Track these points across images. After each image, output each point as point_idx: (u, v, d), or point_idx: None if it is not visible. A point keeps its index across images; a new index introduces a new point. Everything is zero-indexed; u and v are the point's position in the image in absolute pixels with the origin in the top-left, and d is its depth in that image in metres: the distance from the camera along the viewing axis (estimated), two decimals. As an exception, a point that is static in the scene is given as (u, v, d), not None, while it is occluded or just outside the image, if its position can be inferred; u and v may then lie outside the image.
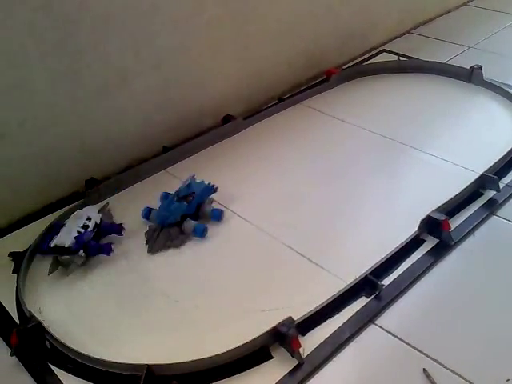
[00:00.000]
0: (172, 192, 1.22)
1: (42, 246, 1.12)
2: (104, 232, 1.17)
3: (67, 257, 1.09)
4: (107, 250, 1.13)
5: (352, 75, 1.76)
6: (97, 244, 1.13)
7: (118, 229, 1.18)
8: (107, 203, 1.28)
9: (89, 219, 1.15)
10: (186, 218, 1.18)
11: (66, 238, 1.10)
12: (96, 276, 1.11)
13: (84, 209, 1.20)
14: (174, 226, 1.17)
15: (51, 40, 1.15)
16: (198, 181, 1.24)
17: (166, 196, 1.23)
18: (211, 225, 1.20)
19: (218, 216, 1.22)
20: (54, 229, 1.15)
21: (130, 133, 1.38)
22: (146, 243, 1.16)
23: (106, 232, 1.17)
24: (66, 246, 1.08)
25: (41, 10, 1.12)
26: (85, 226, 1.13)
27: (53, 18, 1.14)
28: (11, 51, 1.11)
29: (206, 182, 1.24)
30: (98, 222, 1.16)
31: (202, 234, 1.17)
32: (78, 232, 1.11)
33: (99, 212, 1.20)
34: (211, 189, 1.24)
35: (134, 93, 1.34)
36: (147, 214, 1.21)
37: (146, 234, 1.18)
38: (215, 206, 1.25)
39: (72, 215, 1.17)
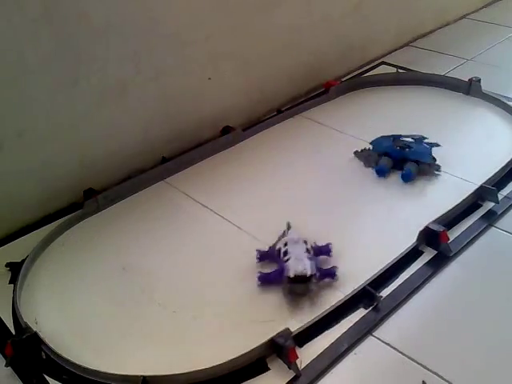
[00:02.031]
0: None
1: (268, 277, 1.06)
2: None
3: (302, 286, 1.01)
4: (332, 273, 1.06)
5: (351, 87, 1.77)
6: (324, 269, 1.07)
7: (327, 250, 1.12)
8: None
9: (305, 242, 1.09)
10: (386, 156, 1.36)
11: (301, 265, 1.01)
12: (92, 287, 1.10)
13: (290, 232, 1.14)
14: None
15: (50, 51, 1.16)
16: (426, 144, 1.37)
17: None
18: (214, 237, 1.21)
19: (404, 176, 1.32)
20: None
21: (129, 144, 1.39)
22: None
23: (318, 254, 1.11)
24: (308, 274, 1.00)
25: (40, 21, 1.12)
26: (307, 251, 1.07)
27: (52, 29, 1.15)
28: (10, 62, 1.11)
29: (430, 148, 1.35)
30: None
31: (406, 178, 1.32)
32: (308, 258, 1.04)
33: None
34: (426, 157, 1.34)
35: (133, 104, 1.35)
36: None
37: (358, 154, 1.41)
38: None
39: (285, 240, 1.10)
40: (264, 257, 1.12)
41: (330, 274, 1.06)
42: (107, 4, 1.21)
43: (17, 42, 1.11)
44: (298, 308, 1.02)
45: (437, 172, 1.35)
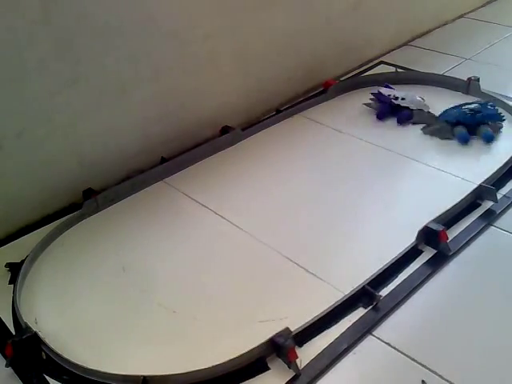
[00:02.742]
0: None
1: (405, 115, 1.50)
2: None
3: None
4: None
5: (349, 86, 1.77)
6: None
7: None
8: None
9: None
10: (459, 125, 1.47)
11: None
12: (92, 287, 1.10)
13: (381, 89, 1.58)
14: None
15: (49, 51, 1.16)
16: (491, 108, 1.50)
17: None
18: (214, 237, 1.20)
19: (488, 137, 1.43)
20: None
21: (128, 144, 1.39)
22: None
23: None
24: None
25: (40, 23, 1.12)
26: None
27: (51, 30, 1.15)
28: (10, 63, 1.11)
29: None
30: None
31: (490, 138, 1.43)
32: None
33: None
34: (497, 117, 1.48)
35: (132, 104, 1.35)
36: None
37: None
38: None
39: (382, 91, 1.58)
40: (382, 115, 1.57)
41: None
42: (106, 4, 1.21)
43: (16, 43, 1.11)
44: (298, 307, 1.02)
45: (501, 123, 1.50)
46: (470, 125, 1.47)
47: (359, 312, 1.01)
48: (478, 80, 1.66)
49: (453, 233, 1.16)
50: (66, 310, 1.06)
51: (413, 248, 1.13)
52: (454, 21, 2.28)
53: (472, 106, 1.51)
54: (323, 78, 1.79)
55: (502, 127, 1.49)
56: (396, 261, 1.10)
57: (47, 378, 0.93)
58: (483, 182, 1.26)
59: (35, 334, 0.95)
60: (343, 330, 0.97)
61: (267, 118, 1.63)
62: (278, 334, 0.92)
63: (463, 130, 1.46)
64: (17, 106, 1.16)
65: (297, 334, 0.94)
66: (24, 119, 1.18)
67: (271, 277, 1.10)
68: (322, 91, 1.75)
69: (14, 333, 1.00)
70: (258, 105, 1.66)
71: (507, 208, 1.24)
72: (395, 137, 1.52)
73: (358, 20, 1.85)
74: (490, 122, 1.48)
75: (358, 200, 1.30)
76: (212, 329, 1.00)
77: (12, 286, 1.09)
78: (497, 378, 0.89)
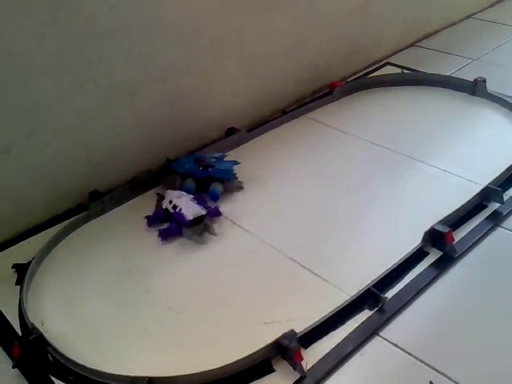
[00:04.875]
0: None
1: (169, 231, 1.19)
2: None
3: (201, 225, 1.19)
4: (216, 211, 1.25)
5: (355, 88, 1.76)
6: (211, 208, 1.24)
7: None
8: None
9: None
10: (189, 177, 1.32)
11: (194, 208, 1.19)
12: (97, 288, 1.11)
13: (167, 192, 1.28)
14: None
15: (58, 53, 1.16)
16: (227, 162, 1.36)
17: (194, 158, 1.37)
18: (214, 237, 1.21)
19: (212, 196, 1.29)
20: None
21: (135, 146, 1.39)
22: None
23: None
24: (203, 213, 1.18)
25: (48, 24, 1.13)
26: (192, 200, 1.23)
27: (60, 31, 1.15)
28: (18, 64, 1.12)
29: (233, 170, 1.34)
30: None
31: (213, 197, 1.29)
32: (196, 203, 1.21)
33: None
34: (228, 174, 1.33)
35: (139, 106, 1.35)
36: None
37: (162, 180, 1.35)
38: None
39: (169, 198, 1.24)
40: (152, 220, 1.24)
41: (217, 211, 1.24)
42: (114, 6, 1.21)
43: (24, 44, 1.11)
44: (303, 308, 1.02)
45: (239, 188, 1.35)
46: (200, 179, 1.32)
47: (365, 314, 1.00)
48: (484, 81, 1.65)
49: (459, 234, 1.16)
50: (72, 311, 1.06)
51: (419, 250, 1.12)
52: (462, 21, 2.27)
53: (208, 159, 1.36)
54: (329, 79, 1.79)
55: (241, 186, 1.35)
56: (402, 262, 1.09)
57: (53, 378, 0.93)
58: (490, 184, 1.25)
59: (41, 335, 0.96)
60: (349, 332, 0.97)
61: (273, 120, 1.63)
62: (283, 336, 0.92)
63: (191, 184, 1.31)
64: (25, 108, 1.16)
65: (302, 335, 0.94)
66: (32, 120, 1.18)
67: (276, 278, 1.10)
68: (327, 92, 1.75)
69: (20, 334, 1.00)
70: (263, 106, 1.66)
71: (514, 209, 1.23)
72: (401, 138, 1.52)
73: (364, 21, 1.85)
74: (223, 179, 1.33)
75: (364, 201, 1.30)
76: (217, 330, 1.00)
77: (19, 287, 1.09)
78: (504, 380, 0.89)
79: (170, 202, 1.22)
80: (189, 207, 1.19)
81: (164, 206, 1.23)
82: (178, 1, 1.32)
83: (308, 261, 1.13)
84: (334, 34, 1.78)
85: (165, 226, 1.21)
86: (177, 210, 1.19)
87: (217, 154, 1.39)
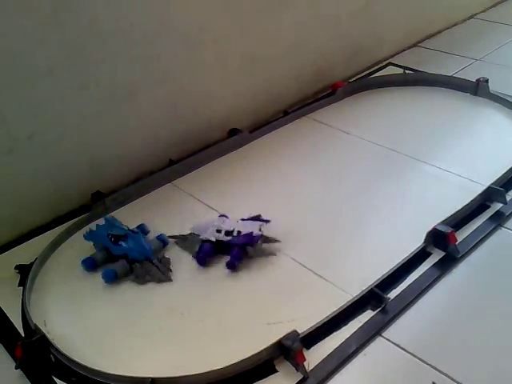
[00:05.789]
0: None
1: (239, 255, 1.12)
2: None
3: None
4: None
5: (358, 88, 1.76)
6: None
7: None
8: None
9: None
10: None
11: (251, 224, 1.17)
12: (100, 289, 1.11)
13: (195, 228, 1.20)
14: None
15: (60, 54, 1.17)
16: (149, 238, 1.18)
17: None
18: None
19: (106, 276, 1.10)
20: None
21: (137, 146, 1.39)
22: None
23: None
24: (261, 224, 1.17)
25: (51, 25, 1.13)
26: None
27: (62, 32, 1.15)
28: (21, 65, 1.12)
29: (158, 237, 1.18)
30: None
31: (107, 278, 1.10)
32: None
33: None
34: (147, 252, 1.13)
35: (142, 107, 1.36)
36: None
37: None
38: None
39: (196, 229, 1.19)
40: (203, 261, 1.14)
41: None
42: (116, 7, 1.21)
43: (27, 45, 1.11)
44: (306, 309, 1.02)
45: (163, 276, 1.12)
46: (111, 253, 1.14)
47: (367, 314, 1.00)
48: (486, 81, 1.65)
49: (462, 235, 1.16)
50: (75, 311, 1.06)
51: (421, 250, 1.12)
52: (464, 21, 2.27)
53: (122, 231, 1.15)
54: (331, 79, 1.79)
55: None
56: (404, 263, 1.09)
57: (56, 379, 0.93)
58: (492, 184, 1.25)
59: (44, 336, 0.96)
60: (352, 333, 0.97)
61: (275, 120, 1.63)
62: (286, 337, 0.91)
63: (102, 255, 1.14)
64: (28, 109, 1.16)
65: (305, 336, 0.94)
66: (35, 122, 1.19)
67: (279, 279, 1.10)
68: (330, 93, 1.75)
69: (23, 335, 1.00)
70: (265, 107, 1.66)
71: (517, 210, 1.23)
72: (404, 138, 1.52)
73: (367, 21, 1.85)
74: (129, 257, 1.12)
75: (366, 201, 1.30)
76: (220, 331, 1.00)
77: (21, 288, 1.09)
78: (508, 381, 0.89)
79: (219, 230, 1.15)
80: (246, 226, 1.16)
81: (205, 238, 1.15)
82: (180, 2, 1.32)
83: (310, 261, 1.13)
84: (337, 35, 1.78)
85: (222, 257, 1.14)
86: (237, 234, 1.15)
87: (142, 226, 1.21)
